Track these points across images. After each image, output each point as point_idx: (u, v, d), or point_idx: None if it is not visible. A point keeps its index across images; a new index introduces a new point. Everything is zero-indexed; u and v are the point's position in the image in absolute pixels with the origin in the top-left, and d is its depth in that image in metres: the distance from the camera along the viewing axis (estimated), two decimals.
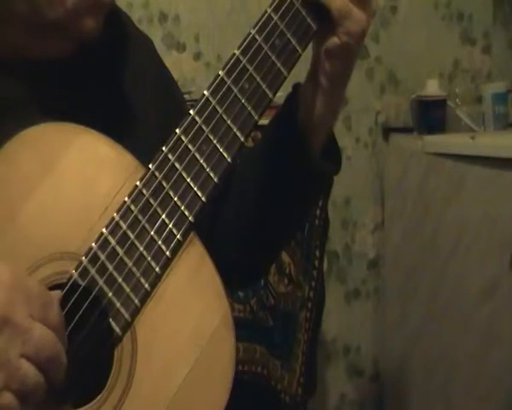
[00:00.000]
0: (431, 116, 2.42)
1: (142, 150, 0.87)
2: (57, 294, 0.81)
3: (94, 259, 0.84)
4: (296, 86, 0.99)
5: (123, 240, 0.84)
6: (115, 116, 0.96)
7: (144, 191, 0.85)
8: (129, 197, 0.85)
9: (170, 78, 1.11)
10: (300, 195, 1.02)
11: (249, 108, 0.88)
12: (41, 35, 0.92)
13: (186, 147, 0.86)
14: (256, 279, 1.55)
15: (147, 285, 0.84)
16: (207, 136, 0.87)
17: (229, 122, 0.88)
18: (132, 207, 0.85)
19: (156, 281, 0.84)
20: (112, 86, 0.99)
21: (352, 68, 0.96)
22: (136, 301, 0.84)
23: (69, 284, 0.83)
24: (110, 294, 0.84)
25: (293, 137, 0.96)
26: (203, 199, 0.86)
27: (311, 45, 0.94)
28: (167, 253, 0.85)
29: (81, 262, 0.84)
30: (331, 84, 0.95)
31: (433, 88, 2.44)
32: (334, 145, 1.01)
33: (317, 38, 0.93)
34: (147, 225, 0.85)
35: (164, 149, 0.86)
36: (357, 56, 0.95)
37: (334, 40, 0.91)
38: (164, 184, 0.86)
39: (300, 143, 0.96)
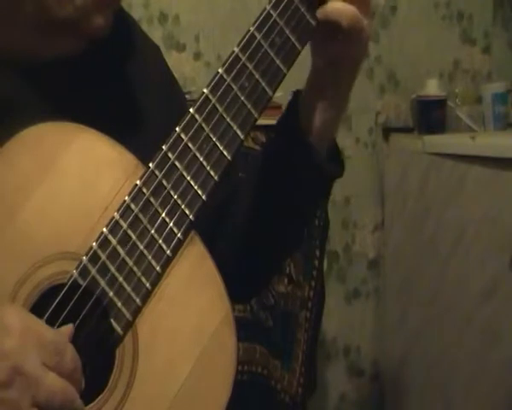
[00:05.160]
0: (431, 116, 2.42)
1: (150, 150, 0.87)
2: (68, 329, 0.80)
3: (94, 258, 0.84)
4: (296, 94, 0.99)
5: (123, 239, 0.84)
6: (122, 116, 0.96)
7: (144, 190, 0.85)
8: (129, 196, 0.85)
9: (175, 82, 1.11)
10: (308, 199, 1.02)
11: (249, 106, 0.88)
12: (51, 35, 0.92)
13: (186, 145, 0.86)
14: (256, 293, 1.53)
15: (148, 284, 0.84)
16: (207, 134, 0.87)
17: (228, 120, 0.87)
18: (133, 207, 0.85)
19: (157, 280, 0.84)
20: (119, 86, 0.99)
21: (358, 73, 0.96)
22: (138, 300, 0.84)
23: (69, 284, 0.83)
24: (111, 293, 0.84)
25: (298, 143, 0.96)
26: (203, 198, 0.86)
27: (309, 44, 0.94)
28: (168, 252, 0.85)
29: (82, 262, 0.83)
30: (337, 92, 0.96)
31: (433, 88, 2.44)
32: (336, 148, 1.01)
33: (320, 47, 0.94)
34: (147, 225, 0.85)
35: (164, 147, 0.86)
36: (362, 62, 0.96)
37: (342, 52, 0.92)
38: (164, 182, 0.85)
39: (306, 149, 0.96)
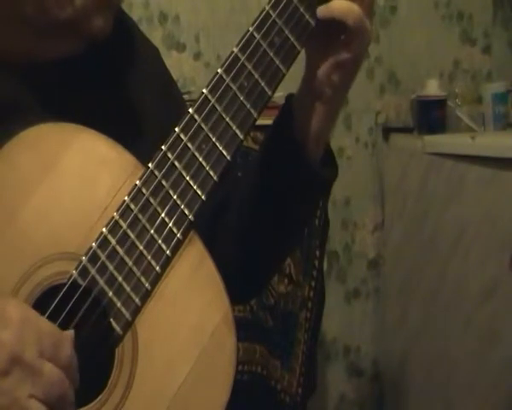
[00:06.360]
0: (431, 116, 2.42)
1: (148, 151, 0.87)
2: (70, 333, 0.81)
3: (94, 258, 0.84)
4: (289, 98, 0.98)
5: (123, 239, 0.84)
6: (122, 117, 0.96)
7: (144, 190, 0.85)
8: (128, 196, 0.85)
9: (173, 83, 1.11)
10: (302, 204, 1.02)
11: (248, 106, 0.88)
12: (51, 36, 0.92)
13: (185, 145, 0.86)
14: (256, 293, 1.52)
15: (147, 284, 0.84)
16: (206, 134, 0.87)
17: (228, 120, 0.87)
18: (132, 207, 0.85)
19: (156, 280, 0.84)
20: (118, 87, 0.99)
21: (357, 74, 0.96)
22: (137, 300, 0.84)
23: (69, 284, 0.83)
24: (110, 293, 0.84)
25: (292, 149, 0.96)
26: (203, 198, 0.86)
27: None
28: (167, 252, 0.85)
29: (81, 262, 0.84)
30: (336, 93, 0.95)
31: (433, 88, 2.44)
32: (329, 150, 1.00)
33: (320, 48, 0.93)
34: (147, 224, 0.85)
35: (163, 147, 0.86)
36: (362, 63, 0.95)
37: (345, 54, 0.92)
38: (163, 182, 0.86)
39: (300, 154, 0.96)
